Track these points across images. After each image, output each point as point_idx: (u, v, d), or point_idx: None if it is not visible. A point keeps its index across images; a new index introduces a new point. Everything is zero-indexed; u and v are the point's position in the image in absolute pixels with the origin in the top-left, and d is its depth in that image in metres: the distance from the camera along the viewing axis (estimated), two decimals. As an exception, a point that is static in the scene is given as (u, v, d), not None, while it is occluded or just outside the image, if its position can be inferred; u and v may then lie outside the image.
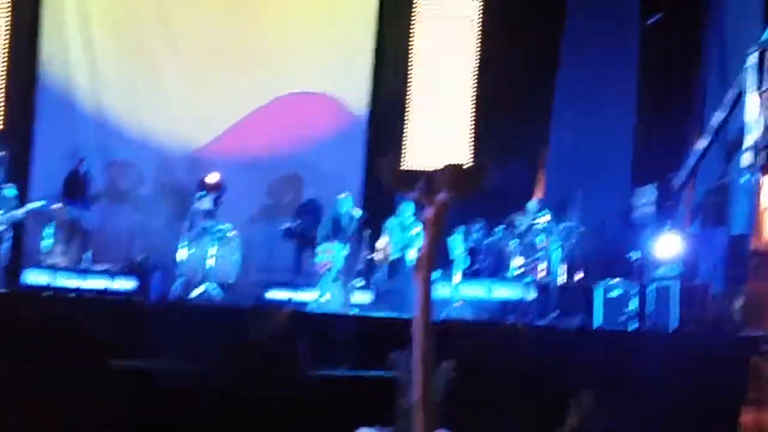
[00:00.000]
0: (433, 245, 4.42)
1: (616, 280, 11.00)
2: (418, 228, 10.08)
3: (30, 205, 10.76)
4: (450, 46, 14.58)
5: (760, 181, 10.74)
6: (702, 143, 12.01)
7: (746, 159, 11.04)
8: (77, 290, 10.19)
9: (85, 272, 10.92)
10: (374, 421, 6.09)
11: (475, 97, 14.52)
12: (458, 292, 10.84)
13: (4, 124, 13.04)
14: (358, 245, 11.15)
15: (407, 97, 14.48)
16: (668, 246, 10.78)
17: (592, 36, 13.71)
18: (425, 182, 4.51)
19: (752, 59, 11.13)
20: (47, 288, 10.16)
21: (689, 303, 9.97)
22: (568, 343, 8.37)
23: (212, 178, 12.37)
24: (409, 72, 14.47)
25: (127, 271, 11.09)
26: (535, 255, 11.57)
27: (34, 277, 10.60)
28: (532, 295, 11.08)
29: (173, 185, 13.36)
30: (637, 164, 12.66)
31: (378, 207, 11.54)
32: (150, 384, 6.59)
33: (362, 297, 11.11)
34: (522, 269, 11.52)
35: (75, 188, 12.00)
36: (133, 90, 13.57)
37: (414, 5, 14.38)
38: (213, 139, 13.69)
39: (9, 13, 13.16)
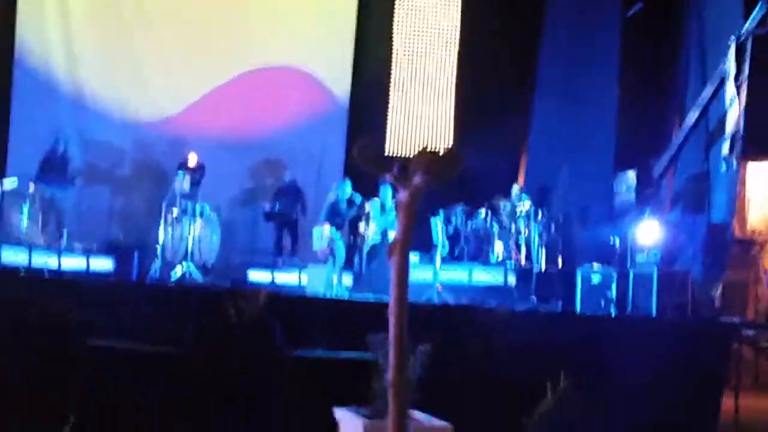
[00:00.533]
0: (407, 228, 4.40)
1: (597, 265, 11.02)
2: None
3: (4, 183, 10.63)
4: (432, 30, 14.55)
5: (741, 170, 10.81)
6: (682, 131, 12.05)
7: (725, 147, 11.10)
8: (54, 270, 10.08)
9: (62, 251, 10.80)
10: (351, 401, 6.09)
11: (456, 82, 14.50)
12: (439, 275, 10.82)
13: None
14: (351, 230, 11.14)
15: (389, 81, 14.43)
16: (648, 232, 10.81)
17: (573, 24, 13.70)
18: (400, 166, 4.50)
19: (731, 50, 11.17)
20: (24, 267, 10.05)
21: (669, 289, 9.99)
22: (547, 327, 8.39)
23: (192, 159, 12.28)
24: (391, 56, 14.42)
25: (104, 251, 10.98)
26: (516, 240, 11.58)
27: (10, 255, 10.47)
28: (512, 280, 11.09)
29: (152, 165, 13.27)
30: (619, 150, 12.68)
31: (358, 191, 11.49)
32: (126, 363, 6.54)
33: (343, 279, 11.07)
34: (503, 254, 11.53)
35: (52, 167, 11.85)
36: (110, 68, 13.43)
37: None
38: (193, 113, 13.57)
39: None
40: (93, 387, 6.40)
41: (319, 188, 13.20)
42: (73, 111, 13.23)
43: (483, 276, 11.28)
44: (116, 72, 13.43)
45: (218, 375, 6.49)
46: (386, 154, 13.44)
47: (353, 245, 11.20)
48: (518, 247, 11.53)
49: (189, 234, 11.09)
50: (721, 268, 10.61)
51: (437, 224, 11.20)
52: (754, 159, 12.00)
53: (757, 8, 11.15)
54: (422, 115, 14.43)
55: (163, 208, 11.32)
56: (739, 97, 11.06)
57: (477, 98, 13.88)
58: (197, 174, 12.11)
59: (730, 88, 11.16)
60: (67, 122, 13.04)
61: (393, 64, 14.44)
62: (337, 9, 14.27)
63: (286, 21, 14.01)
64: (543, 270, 11.31)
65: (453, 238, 11.62)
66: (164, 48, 13.62)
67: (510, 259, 11.44)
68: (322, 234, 10.95)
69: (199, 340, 6.65)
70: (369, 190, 11.31)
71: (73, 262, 10.52)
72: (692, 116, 11.88)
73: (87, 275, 10.20)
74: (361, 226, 11.10)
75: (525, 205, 11.76)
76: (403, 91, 14.51)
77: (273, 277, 11.34)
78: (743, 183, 11.66)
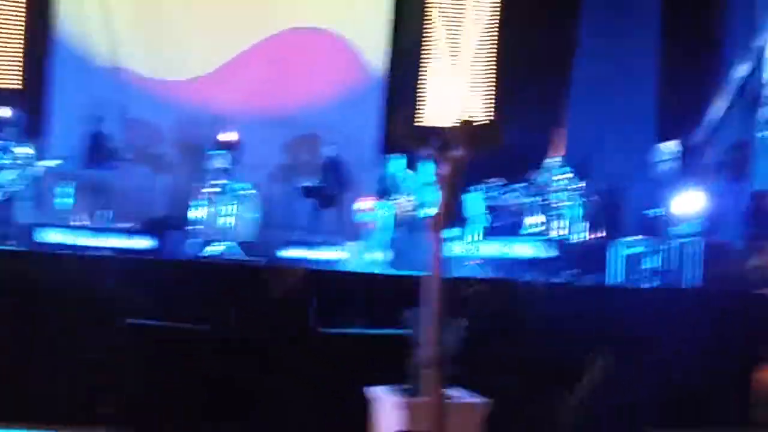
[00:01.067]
0: (447, 203, 4.35)
1: (637, 237, 10.88)
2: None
3: (47, 163, 10.76)
4: (469, 4, 14.39)
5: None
6: (724, 99, 11.82)
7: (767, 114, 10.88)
8: (95, 249, 10.20)
9: (102, 231, 10.93)
10: (387, 378, 6.09)
11: (494, 53, 14.35)
12: (476, 249, 10.75)
13: (21, 83, 13.01)
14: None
15: (425, 52, 14.33)
16: (689, 203, 10.62)
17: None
18: (440, 139, 4.44)
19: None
20: (65, 246, 10.17)
21: (710, 260, 9.84)
22: (586, 300, 8.31)
23: (229, 136, 12.31)
24: (427, 27, 14.31)
25: (144, 230, 11.07)
26: (555, 212, 11.46)
27: (51, 235, 10.61)
28: (550, 253, 10.98)
29: (192, 143, 13.33)
30: (660, 120, 12.48)
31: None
32: (166, 342, 6.60)
33: (380, 255, 11.06)
34: (541, 227, 11.42)
35: (95, 147, 12.01)
36: (150, 47, 13.52)
37: (433, -41, 14.20)
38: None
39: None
40: (134, 365, 6.47)
41: (356, 163, 13.18)
42: (113, 90, 13.32)
43: (521, 249, 11.18)
44: (156, 50, 13.52)
45: (256, 352, 6.53)
46: (423, 126, 13.38)
47: (392, 220, 11.17)
48: (557, 219, 11.41)
49: (227, 212, 11.14)
50: (763, 237, 10.42)
51: (475, 198, 11.12)
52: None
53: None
54: (459, 87, 14.31)
55: (201, 186, 11.40)
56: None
57: (516, 69, 13.73)
58: (234, 151, 12.15)
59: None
60: (107, 101, 13.15)
61: (429, 33, 14.32)
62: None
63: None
64: (583, 242, 11.18)
65: (491, 212, 11.53)
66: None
67: (549, 231, 11.33)
68: (368, 208, 10.89)
69: (237, 318, 6.69)
70: (409, 164, 11.27)
71: (113, 242, 10.63)
72: (734, 83, 11.65)
73: (127, 254, 10.29)
74: (401, 200, 11.06)
75: (564, 177, 11.63)
76: (440, 62, 14.40)
77: (309, 254, 11.36)
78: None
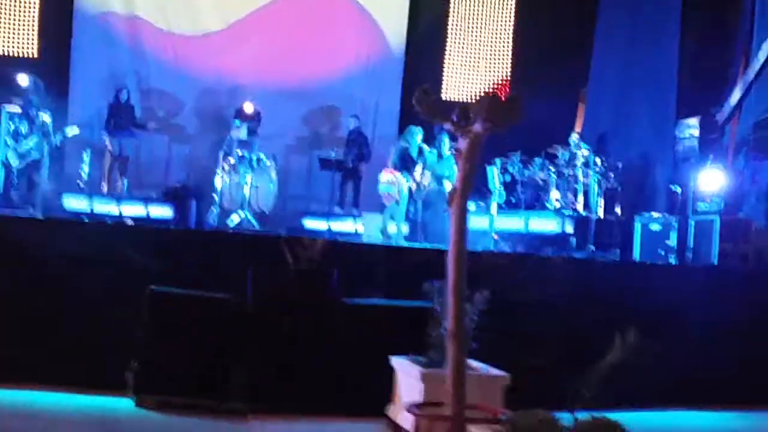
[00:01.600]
0: (467, 176, 4.34)
1: (657, 214, 10.84)
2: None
3: (67, 131, 10.79)
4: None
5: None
6: (747, 76, 11.69)
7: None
8: (116, 217, 10.25)
9: (122, 199, 10.98)
10: (408, 350, 6.12)
11: (514, 28, 14.27)
12: (495, 224, 10.74)
13: (38, 52, 13.01)
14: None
15: (447, 27, 14.25)
16: (711, 180, 10.56)
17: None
18: (460, 113, 4.42)
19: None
20: (86, 214, 10.23)
21: (731, 237, 9.80)
22: (605, 276, 8.29)
23: (248, 107, 12.32)
24: (448, 2, 14.22)
25: (164, 199, 11.12)
26: (574, 188, 11.43)
27: (72, 202, 10.68)
28: (569, 228, 10.96)
29: (211, 114, 13.34)
30: (682, 96, 12.38)
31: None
32: (186, 309, 6.64)
33: (400, 227, 11.06)
34: (560, 202, 11.39)
35: (117, 116, 12.02)
36: (169, 14, 13.48)
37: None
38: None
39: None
40: (155, 332, 6.51)
41: (375, 136, 13.17)
42: (132, 59, 13.31)
43: (540, 224, 11.17)
44: (175, 17, 13.48)
45: (275, 322, 6.56)
46: (443, 100, 13.34)
47: (409, 193, 11.17)
48: (576, 195, 11.38)
49: (246, 182, 11.17)
50: (785, 215, 10.37)
51: (494, 172, 11.09)
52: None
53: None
54: (480, 61, 14.24)
55: (220, 157, 11.42)
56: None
57: (535, 44, 13.65)
58: (254, 122, 12.17)
59: (798, 29, 10.79)
60: (126, 71, 13.16)
61: (450, 10, 14.24)
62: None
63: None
64: (601, 218, 11.16)
65: (510, 187, 11.51)
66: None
67: (567, 207, 11.30)
68: (390, 180, 10.85)
69: (257, 288, 6.71)
70: (425, 138, 11.24)
71: (133, 210, 10.68)
72: (758, 60, 11.52)
73: (147, 222, 10.34)
74: (418, 174, 11.05)
75: (583, 153, 11.58)
76: (460, 36, 14.32)
77: (329, 226, 11.38)
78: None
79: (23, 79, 11.30)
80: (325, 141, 13.36)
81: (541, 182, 11.70)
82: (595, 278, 8.04)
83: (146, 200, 10.99)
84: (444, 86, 14.07)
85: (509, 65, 14.28)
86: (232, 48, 13.47)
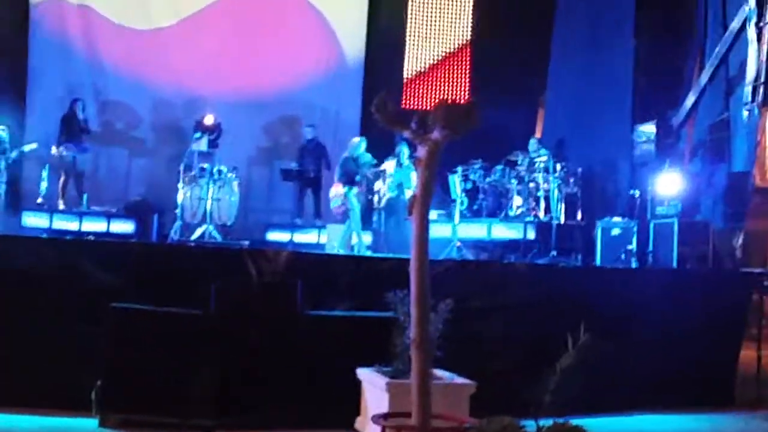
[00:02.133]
0: (427, 184, 4.37)
1: (616, 218, 10.97)
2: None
3: (24, 147, 10.68)
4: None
5: (762, 118, 10.65)
6: (702, 79, 11.87)
7: (747, 95, 10.93)
8: (75, 232, 10.15)
9: (83, 214, 10.87)
10: (373, 360, 6.12)
11: (472, 35, 14.37)
12: (458, 231, 10.80)
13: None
14: (366, 189, 11.10)
15: (405, 35, 14.31)
16: (668, 183, 10.71)
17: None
18: (418, 121, 4.45)
19: (752, -9, 10.95)
20: (45, 230, 10.12)
21: (689, 240, 9.93)
22: (567, 281, 8.35)
23: (209, 119, 12.26)
24: (406, 10, 14.28)
25: (125, 214, 11.04)
26: (535, 194, 11.53)
27: (32, 219, 10.56)
28: (532, 234, 11.06)
29: (169, 126, 13.26)
30: (637, 101, 12.53)
31: (376, 147, 11.44)
32: (150, 325, 6.58)
33: (364, 238, 11.08)
34: (521, 209, 11.49)
35: (71, 130, 11.87)
36: (123, 28, 13.38)
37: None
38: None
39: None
40: (118, 349, 6.45)
41: (336, 146, 13.19)
42: (89, 71, 13.20)
43: (502, 231, 11.26)
44: (130, 31, 13.37)
45: (240, 335, 6.53)
46: (403, 108, 13.39)
47: (370, 203, 11.20)
48: (537, 201, 11.49)
49: (207, 195, 11.12)
50: (741, 218, 10.51)
51: (455, 180, 11.16)
52: (775, 106, 11.83)
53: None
54: (438, 70, 14.32)
55: (181, 169, 11.36)
56: (760, 42, 10.87)
57: (493, 52, 13.76)
58: (214, 134, 12.11)
59: (751, 32, 10.95)
60: (83, 84, 13.04)
61: (408, 15, 14.29)
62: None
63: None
64: (562, 223, 11.27)
65: (471, 194, 11.59)
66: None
67: (529, 213, 11.40)
68: (336, 193, 10.90)
69: (220, 301, 6.67)
70: (385, 147, 11.27)
71: (94, 226, 10.59)
72: (712, 64, 11.70)
73: (108, 237, 10.25)
74: (378, 183, 11.08)
75: (543, 159, 11.69)
76: (418, 43, 14.39)
77: (292, 237, 11.36)
78: (764, 131, 11.49)
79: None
80: (286, 151, 13.33)
81: (502, 189, 11.79)
82: (557, 283, 8.09)
83: (107, 215, 10.90)
84: (404, 95, 14.12)
85: (468, 72, 14.36)
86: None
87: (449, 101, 4.48)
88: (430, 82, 14.35)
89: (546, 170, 11.52)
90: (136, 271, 7.13)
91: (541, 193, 11.52)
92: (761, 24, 10.86)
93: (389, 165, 11.15)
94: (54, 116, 12.32)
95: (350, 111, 13.69)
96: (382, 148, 11.34)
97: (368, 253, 10.16)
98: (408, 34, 14.37)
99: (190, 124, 12.45)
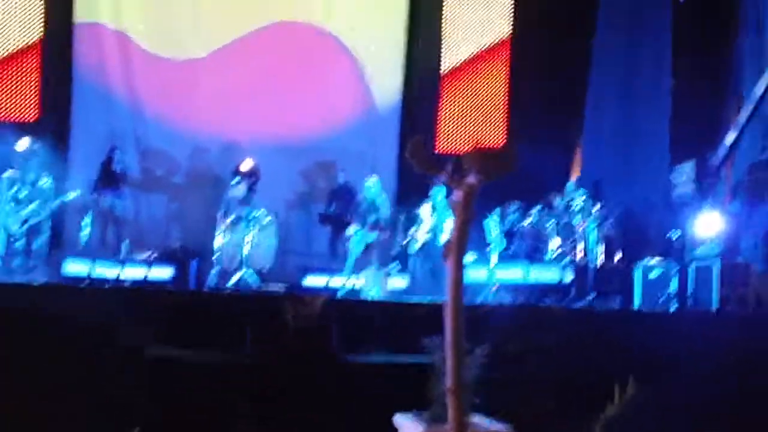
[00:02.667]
0: (462, 228, 4.37)
1: (656, 260, 10.85)
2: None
3: (66, 195, 10.86)
4: (483, 26, 14.45)
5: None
6: (741, 119, 11.79)
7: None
8: (116, 280, 10.27)
9: (123, 261, 10.98)
10: (410, 406, 6.08)
11: (508, 77, 14.40)
12: (494, 275, 10.74)
13: (39, 113, 13.13)
14: (390, 230, 11.11)
15: (441, 79, 14.38)
16: (708, 224, 10.60)
17: (626, 12, 13.51)
18: (454, 165, 4.47)
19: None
20: (86, 278, 10.24)
21: (730, 282, 9.79)
22: (607, 325, 8.28)
23: (246, 164, 12.36)
24: (442, 53, 14.37)
25: (164, 260, 11.13)
26: (573, 236, 11.45)
27: (73, 267, 10.69)
28: (569, 277, 10.96)
29: (208, 173, 13.40)
30: (676, 141, 12.46)
31: (412, 191, 11.46)
32: (188, 372, 6.62)
33: (399, 282, 11.07)
34: (559, 251, 11.41)
35: (109, 177, 12.04)
36: (164, 75, 13.60)
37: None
38: (240, 113, 13.51)
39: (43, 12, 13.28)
40: (156, 396, 6.49)
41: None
42: (130, 117, 13.41)
43: (539, 274, 11.17)
44: (171, 79, 13.60)
45: (277, 381, 6.54)
46: (438, 152, 13.41)
47: (405, 247, 11.20)
48: (575, 243, 11.40)
49: (245, 240, 11.19)
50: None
51: (491, 223, 11.13)
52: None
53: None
54: (474, 113, 14.35)
55: (219, 215, 11.44)
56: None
57: (529, 93, 13.77)
58: (252, 179, 12.19)
59: (789, 71, 10.91)
60: (123, 131, 13.25)
61: (444, 62, 14.37)
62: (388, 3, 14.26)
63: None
64: (601, 266, 11.16)
65: (508, 237, 11.53)
66: (220, 60, 13.74)
67: (566, 255, 11.31)
68: (350, 235, 11.04)
69: (258, 347, 6.70)
70: (421, 190, 11.29)
71: (134, 272, 10.69)
72: (751, 103, 11.63)
73: (147, 285, 10.34)
74: (414, 227, 11.08)
75: (580, 200, 11.62)
76: (454, 89, 14.44)
77: (328, 281, 11.37)
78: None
79: (22, 144, 11.39)
80: (322, 195, 13.39)
81: (539, 231, 11.72)
82: (596, 327, 8.02)
83: (147, 262, 11.00)
84: (439, 138, 14.15)
85: (505, 115, 14.38)
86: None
87: (484, 146, 4.51)
88: (465, 126, 14.37)
89: (583, 211, 11.44)
90: (173, 318, 7.21)
91: (578, 235, 11.43)
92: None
93: (425, 209, 11.15)
94: (96, 164, 12.51)
95: (387, 154, 13.71)
96: (418, 191, 11.35)
97: (405, 298, 10.13)
98: (444, 77, 14.41)
99: (227, 169, 12.55)
